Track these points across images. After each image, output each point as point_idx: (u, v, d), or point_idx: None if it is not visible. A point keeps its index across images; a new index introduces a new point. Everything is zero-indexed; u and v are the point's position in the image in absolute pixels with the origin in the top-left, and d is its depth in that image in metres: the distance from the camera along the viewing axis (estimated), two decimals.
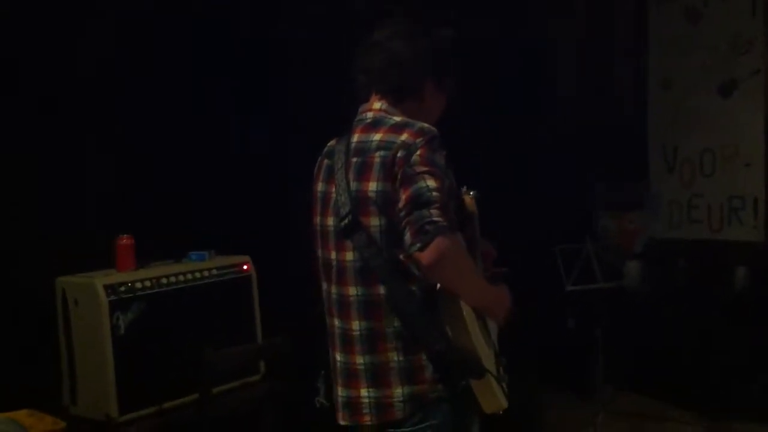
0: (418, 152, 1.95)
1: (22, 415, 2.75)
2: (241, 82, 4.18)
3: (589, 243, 4.42)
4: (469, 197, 2.37)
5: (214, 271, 3.36)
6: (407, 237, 1.89)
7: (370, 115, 2.13)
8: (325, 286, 2.16)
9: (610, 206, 5.25)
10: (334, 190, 2.08)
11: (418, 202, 1.89)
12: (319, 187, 2.17)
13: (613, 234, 5.22)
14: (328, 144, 2.20)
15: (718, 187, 4.82)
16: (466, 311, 1.97)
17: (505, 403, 2.05)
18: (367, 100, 2.17)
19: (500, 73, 4.78)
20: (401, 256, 1.94)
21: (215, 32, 3.96)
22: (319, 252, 2.17)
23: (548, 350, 4.43)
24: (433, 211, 1.87)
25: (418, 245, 1.86)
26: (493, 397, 2.01)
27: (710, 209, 4.86)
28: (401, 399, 2.00)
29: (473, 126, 4.33)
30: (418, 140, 1.97)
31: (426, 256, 1.86)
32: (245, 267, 3.48)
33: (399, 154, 1.96)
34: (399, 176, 1.94)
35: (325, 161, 2.17)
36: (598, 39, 5.28)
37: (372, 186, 1.99)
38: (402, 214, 1.91)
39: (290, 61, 4.32)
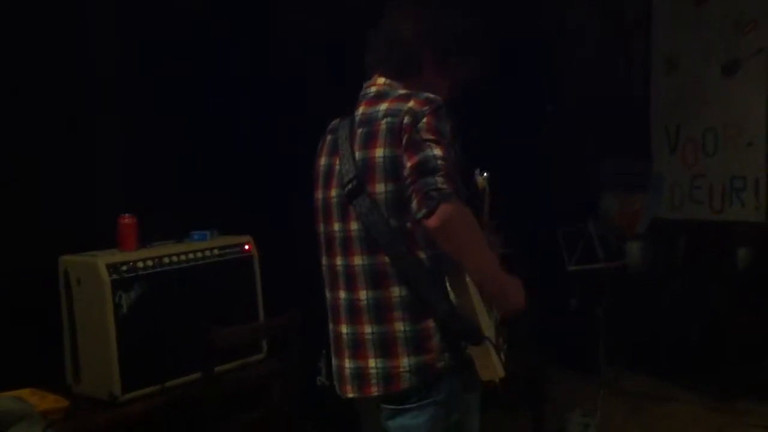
0: (425, 119, 1.96)
1: (25, 393, 2.76)
2: (243, 64, 4.17)
3: (591, 224, 4.42)
4: (482, 179, 2.37)
5: (216, 251, 3.35)
6: (414, 204, 1.91)
7: (373, 89, 2.16)
8: (325, 260, 2.16)
9: (612, 187, 5.24)
10: (338, 161, 2.10)
11: (425, 169, 1.91)
12: (322, 161, 2.19)
13: (615, 215, 5.21)
14: (332, 122, 2.22)
15: (720, 167, 4.81)
16: (470, 279, 1.98)
17: (502, 372, 2.06)
18: (370, 78, 2.20)
19: (503, 52, 4.75)
20: (408, 224, 1.97)
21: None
22: (321, 227, 2.17)
23: (550, 330, 4.43)
24: (439, 179, 1.89)
25: (424, 211, 1.88)
26: (491, 366, 2.02)
27: (712, 190, 4.86)
28: (407, 369, 2.00)
29: (475, 105, 4.32)
30: (425, 108, 1.98)
31: (431, 222, 1.88)
32: (247, 247, 3.47)
33: (406, 120, 1.98)
34: (405, 141, 1.96)
35: (329, 137, 2.19)
36: (603, 18, 5.25)
37: (379, 152, 2.00)
38: (408, 181, 1.94)
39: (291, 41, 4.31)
